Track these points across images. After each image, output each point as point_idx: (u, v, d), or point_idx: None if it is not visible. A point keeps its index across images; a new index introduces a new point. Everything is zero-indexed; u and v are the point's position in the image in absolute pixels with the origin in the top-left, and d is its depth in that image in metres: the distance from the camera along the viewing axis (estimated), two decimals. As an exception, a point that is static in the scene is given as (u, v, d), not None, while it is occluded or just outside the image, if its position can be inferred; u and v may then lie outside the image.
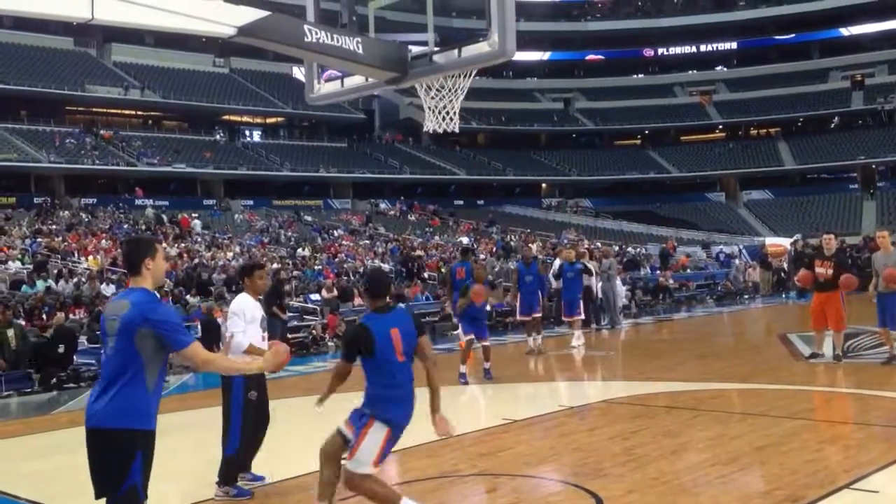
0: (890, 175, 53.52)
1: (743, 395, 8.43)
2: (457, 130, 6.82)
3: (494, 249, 33.37)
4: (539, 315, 13.50)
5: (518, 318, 14.01)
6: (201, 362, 3.79)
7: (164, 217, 35.53)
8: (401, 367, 4.72)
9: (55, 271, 20.73)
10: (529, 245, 28.14)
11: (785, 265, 26.57)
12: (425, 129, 7.09)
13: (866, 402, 8.11)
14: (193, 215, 37.04)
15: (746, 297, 26.17)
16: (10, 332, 12.98)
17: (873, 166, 53.59)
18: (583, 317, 14.63)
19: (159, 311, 3.72)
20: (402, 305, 5.20)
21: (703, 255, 36.69)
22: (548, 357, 13.22)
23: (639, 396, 8.97)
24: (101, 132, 43.70)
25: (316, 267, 25.58)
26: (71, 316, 15.77)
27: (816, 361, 10.54)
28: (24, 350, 13.03)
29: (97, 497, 3.81)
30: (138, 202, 39.79)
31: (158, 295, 4.18)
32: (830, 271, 10.37)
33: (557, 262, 15.44)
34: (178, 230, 32.14)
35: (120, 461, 3.66)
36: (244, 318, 5.74)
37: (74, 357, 13.50)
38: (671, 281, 26.19)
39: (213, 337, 14.40)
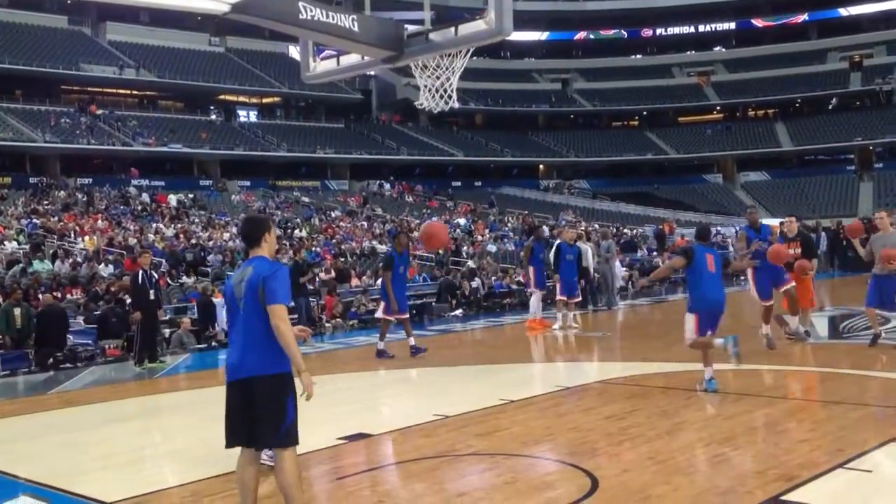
0: (887, 156, 53.54)
1: (738, 376, 8.45)
2: (455, 106, 6.78)
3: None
4: (579, 299, 14.65)
5: (559, 297, 14.09)
6: (278, 321, 4.12)
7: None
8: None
9: (51, 251, 20.69)
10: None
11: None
12: (420, 105, 7.02)
13: (861, 382, 8.14)
14: (190, 195, 36.95)
15: (742, 278, 26.17)
16: (18, 311, 13.11)
17: (870, 147, 53.58)
18: (580, 298, 14.98)
19: (272, 271, 4.24)
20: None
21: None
22: (548, 337, 13.26)
23: (635, 377, 9.00)
24: (91, 109, 43.47)
25: (313, 248, 25.55)
26: (68, 296, 15.75)
27: (814, 340, 10.65)
28: (28, 330, 13.14)
29: (262, 446, 4.30)
30: (134, 182, 39.63)
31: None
32: (798, 250, 10.49)
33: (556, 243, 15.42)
34: (175, 212, 32.07)
35: (278, 403, 4.14)
36: None
37: (70, 337, 13.51)
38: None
39: (208, 317, 14.37)
